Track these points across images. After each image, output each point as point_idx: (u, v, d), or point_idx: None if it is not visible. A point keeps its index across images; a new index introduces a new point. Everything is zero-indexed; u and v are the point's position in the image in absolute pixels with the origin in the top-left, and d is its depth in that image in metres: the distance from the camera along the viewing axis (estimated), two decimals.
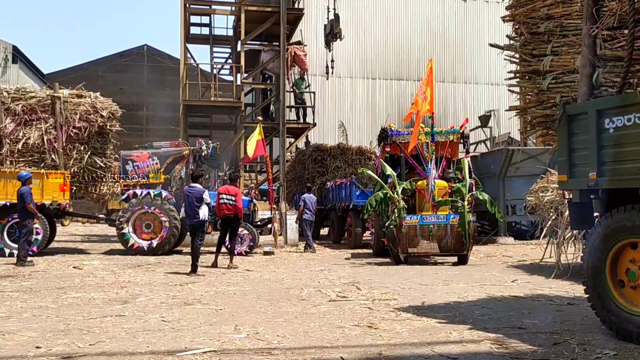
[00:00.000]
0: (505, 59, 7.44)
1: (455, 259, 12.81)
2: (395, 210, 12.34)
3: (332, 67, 22.37)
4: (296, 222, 17.24)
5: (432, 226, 12.15)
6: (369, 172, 14.07)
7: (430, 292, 8.58)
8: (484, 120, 27.68)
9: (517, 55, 7.20)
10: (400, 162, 13.73)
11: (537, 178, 13.07)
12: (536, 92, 6.82)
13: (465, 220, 12.07)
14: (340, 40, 21.81)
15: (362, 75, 32.20)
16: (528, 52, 6.92)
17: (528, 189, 12.84)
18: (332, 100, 31.68)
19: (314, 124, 23.05)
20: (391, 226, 12.44)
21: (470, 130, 34.24)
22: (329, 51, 22.01)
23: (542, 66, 6.65)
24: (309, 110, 23.19)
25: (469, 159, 13.41)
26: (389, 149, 13.86)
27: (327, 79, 23.77)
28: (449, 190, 12.82)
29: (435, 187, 12.59)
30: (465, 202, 12.24)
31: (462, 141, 13.73)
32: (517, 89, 7.48)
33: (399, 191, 12.59)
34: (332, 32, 21.39)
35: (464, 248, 12.26)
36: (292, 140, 23.60)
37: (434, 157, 12.72)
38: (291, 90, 22.58)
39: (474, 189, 12.78)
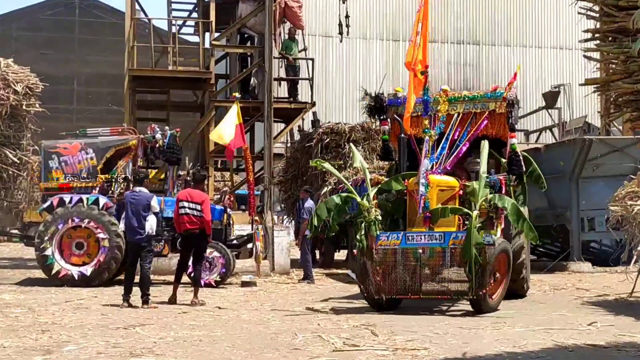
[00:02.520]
0: (579, 13, 7.45)
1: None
2: (363, 225, 10.88)
3: (348, 25, 22.06)
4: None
5: (420, 250, 10.53)
6: (327, 165, 13.17)
7: (475, 339, 8.57)
8: (550, 98, 27.71)
9: (596, 8, 7.20)
10: (401, 147, 12.29)
11: (625, 179, 13.09)
12: (623, 59, 6.84)
13: (471, 243, 10.20)
14: None
15: (379, 36, 32.26)
16: (612, 4, 6.93)
17: (612, 194, 12.86)
18: (338, 69, 31.73)
19: (313, 103, 22.96)
20: (355, 250, 11.22)
21: (531, 113, 34.08)
22: (343, 2, 21.95)
23: (632, 22, 6.65)
24: (305, 84, 23.14)
25: (514, 139, 11.89)
26: (386, 127, 12.70)
27: (341, 40, 23.60)
28: (459, 193, 11.27)
29: (431, 188, 10.91)
30: (475, 213, 10.54)
31: (507, 111, 11.80)
32: (596, 55, 7.48)
33: (371, 195, 11.23)
34: None
35: (472, 288, 10.34)
36: (283, 125, 23.59)
37: (429, 138, 11.26)
38: (280, 56, 22.55)
39: (504, 190, 11.41)
